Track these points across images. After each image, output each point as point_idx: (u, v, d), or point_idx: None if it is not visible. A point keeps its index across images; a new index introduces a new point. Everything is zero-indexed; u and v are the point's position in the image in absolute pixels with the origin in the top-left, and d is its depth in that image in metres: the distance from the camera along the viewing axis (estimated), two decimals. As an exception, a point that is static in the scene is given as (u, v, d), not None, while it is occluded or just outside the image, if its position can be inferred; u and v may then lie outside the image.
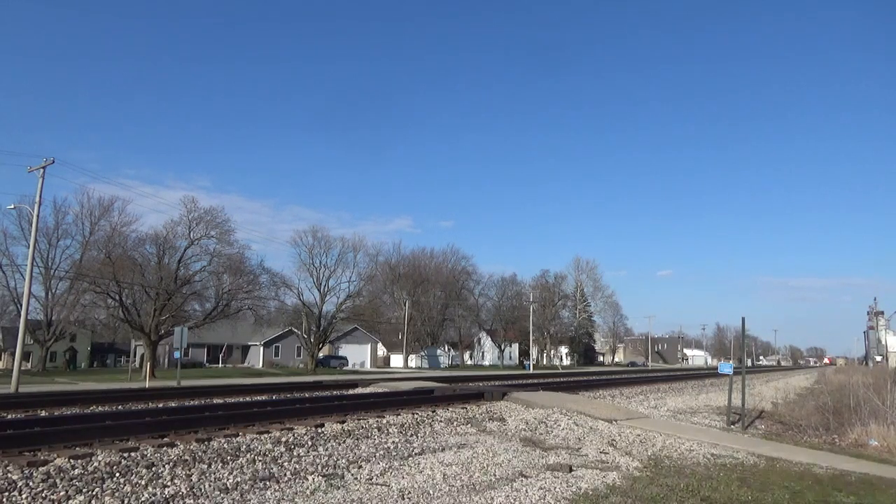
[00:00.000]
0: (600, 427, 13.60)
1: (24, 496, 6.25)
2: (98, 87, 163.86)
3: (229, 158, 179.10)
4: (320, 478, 7.91)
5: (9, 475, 6.71)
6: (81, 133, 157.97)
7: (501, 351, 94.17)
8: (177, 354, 30.97)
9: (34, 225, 30.18)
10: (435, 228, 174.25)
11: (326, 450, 9.54)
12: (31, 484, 6.55)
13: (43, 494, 6.34)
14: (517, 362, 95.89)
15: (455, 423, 12.96)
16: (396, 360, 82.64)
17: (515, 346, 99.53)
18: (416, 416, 13.28)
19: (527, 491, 7.67)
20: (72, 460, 7.49)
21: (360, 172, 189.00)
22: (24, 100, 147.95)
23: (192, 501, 6.66)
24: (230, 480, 7.45)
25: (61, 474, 6.92)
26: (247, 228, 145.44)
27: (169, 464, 7.80)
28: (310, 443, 9.84)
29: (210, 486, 7.20)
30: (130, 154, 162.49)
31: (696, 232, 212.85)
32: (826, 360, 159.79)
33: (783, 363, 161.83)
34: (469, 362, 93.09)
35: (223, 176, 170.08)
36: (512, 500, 7.24)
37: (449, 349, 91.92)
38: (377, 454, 9.56)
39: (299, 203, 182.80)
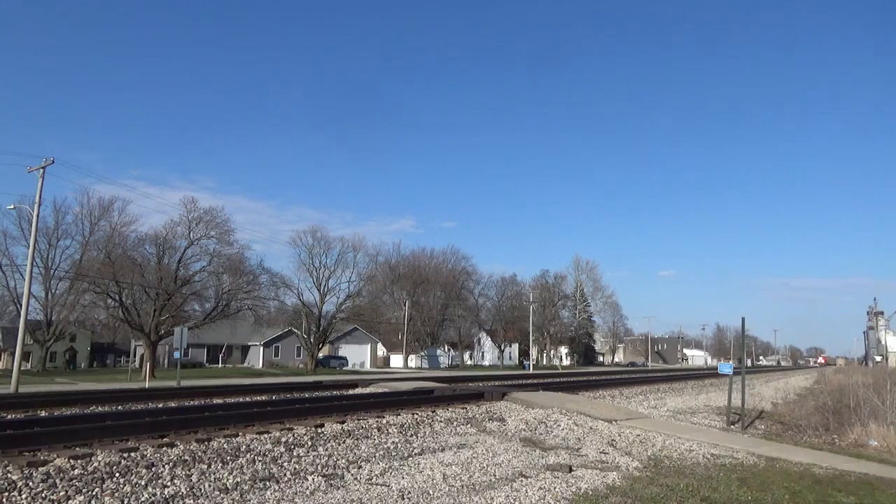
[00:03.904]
0: (600, 427, 13.59)
1: (23, 496, 6.25)
2: (102, 87, 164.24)
3: (234, 159, 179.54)
4: (320, 478, 7.91)
5: (9, 475, 6.71)
6: (85, 133, 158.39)
7: (501, 351, 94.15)
8: (177, 354, 30.97)
9: (34, 225, 30.18)
10: (438, 229, 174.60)
11: (326, 450, 9.54)
12: (30, 484, 6.55)
13: (43, 495, 6.34)
14: (517, 362, 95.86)
15: (455, 424, 12.96)
16: (396, 360, 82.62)
17: (515, 346, 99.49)
18: (415, 416, 13.28)
19: (527, 491, 7.67)
20: (72, 460, 7.48)
21: (364, 173, 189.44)
22: (27, 99, 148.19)
23: (191, 501, 6.66)
24: (230, 480, 7.45)
25: (61, 474, 6.92)
26: (250, 229, 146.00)
27: (169, 464, 7.80)
28: (310, 443, 9.84)
29: (210, 486, 7.20)
30: (135, 154, 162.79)
31: (695, 232, 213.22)
32: (821, 360, 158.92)
33: (783, 363, 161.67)
34: (469, 362, 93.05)
35: (228, 177, 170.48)
36: (512, 500, 7.24)
37: (449, 349, 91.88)
38: (377, 454, 9.56)
39: (303, 203, 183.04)
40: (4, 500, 6.17)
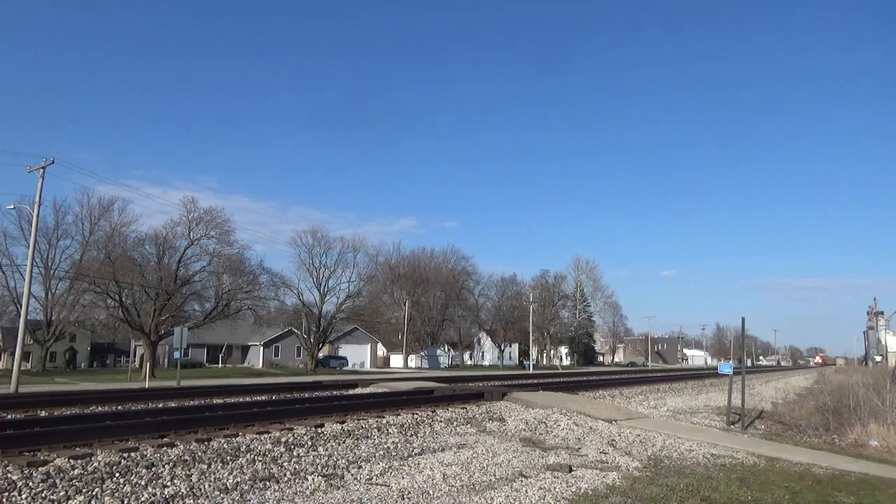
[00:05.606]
0: (600, 427, 13.59)
1: (23, 496, 6.25)
2: (104, 87, 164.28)
3: (236, 159, 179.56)
4: (320, 478, 7.91)
5: (9, 475, 6.70)
6: (88, 133, 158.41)
7: (501, 351, 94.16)
8: (177, 354, 30.97)
9: (34, 225, 30.18)
10: (439, 229, 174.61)
11: (326, 450, 9.54)
12: (30, 484, 6.55)
13: (43, 494, 6.34)
14: (517, 362, 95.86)
15: (455, 424, 12.96)
16: (396, 361, 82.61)
17: (515, 346, 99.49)
18: (415, 416, 13.27)
19: (527, 491, 7.67)
20: (72, 460, 7.47)
21: (365, 173, 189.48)
22: (29, 99, 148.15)
23: (191, 501, 6.66)
24: (230, 480, 7.45)
25: (61, 474, 6.91)
26: (252, 229, 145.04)
27: (169, 464, 7.79)
28: (310, 443, 9.83)
29: (210, 486, 7.20)
30: (137, 155, 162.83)
31: (695, 232, 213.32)
32: (818, 360, 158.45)
33: (783, 363, 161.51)
34: (469, 362, 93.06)
35: (230, 177, 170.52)
36: (512, 500, 7.24)
37: (449, 349, 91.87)
38: (377, 454, 9.56)
39: (304, 203, 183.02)
40: (4, 500, 6.17)
